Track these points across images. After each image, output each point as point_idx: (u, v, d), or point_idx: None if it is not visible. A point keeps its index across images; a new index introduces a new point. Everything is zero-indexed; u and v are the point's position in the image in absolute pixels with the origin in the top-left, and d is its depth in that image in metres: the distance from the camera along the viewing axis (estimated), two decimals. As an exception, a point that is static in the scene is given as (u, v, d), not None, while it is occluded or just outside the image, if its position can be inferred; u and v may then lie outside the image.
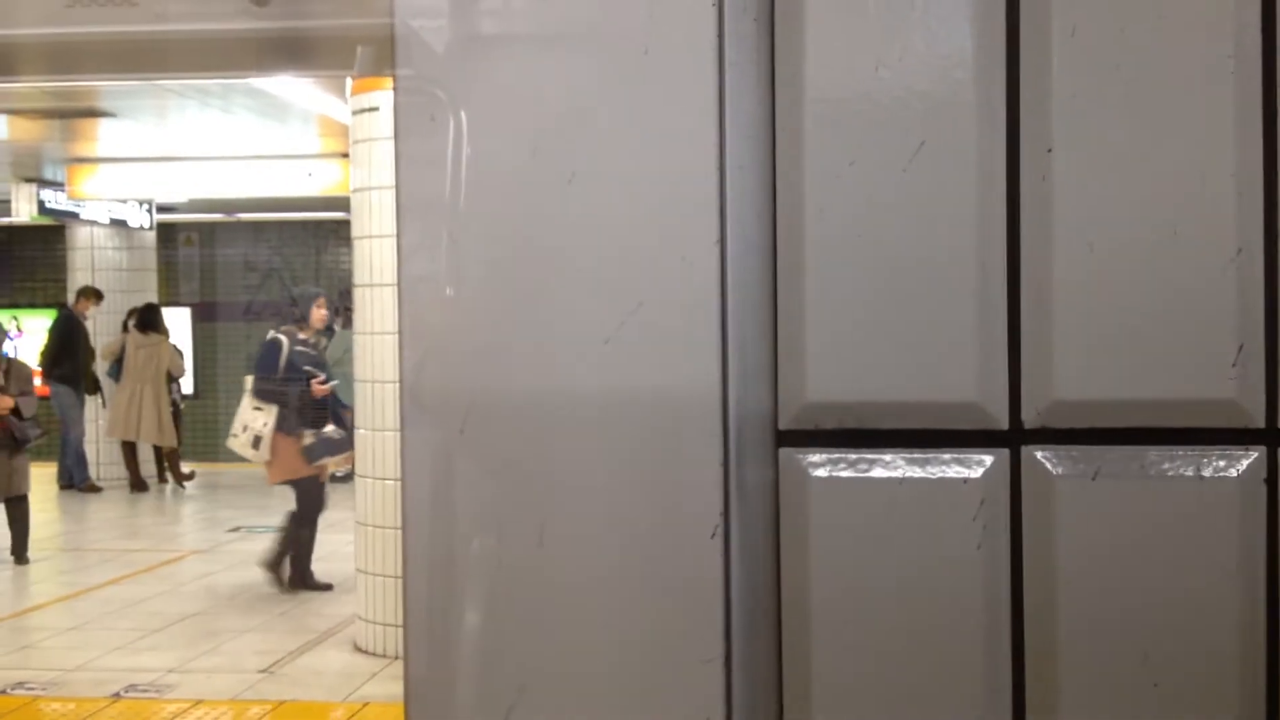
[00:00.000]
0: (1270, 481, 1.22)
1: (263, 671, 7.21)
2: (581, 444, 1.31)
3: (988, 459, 1.26)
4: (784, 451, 1.31)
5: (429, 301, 1.36)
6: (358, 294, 7.42)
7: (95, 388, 14.05)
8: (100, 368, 14.01)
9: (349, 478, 10.04)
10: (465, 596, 1.35)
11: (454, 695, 1.36)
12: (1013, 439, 1.26)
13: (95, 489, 14.10)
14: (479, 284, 1.33)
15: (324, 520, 8.93)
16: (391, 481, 7.28)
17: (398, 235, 1.38)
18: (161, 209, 15.29)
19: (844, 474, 1.29)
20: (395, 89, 1.39)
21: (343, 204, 8.79)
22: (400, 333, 1.37)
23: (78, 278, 14.53)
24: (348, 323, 11.52)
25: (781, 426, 1.31)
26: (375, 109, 7.03)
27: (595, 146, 1.30)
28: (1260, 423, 1.22)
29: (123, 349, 13.70)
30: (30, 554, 10.15)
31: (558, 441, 1.31)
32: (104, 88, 9.68)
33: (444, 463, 1.36)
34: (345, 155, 9.47)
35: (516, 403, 1.32)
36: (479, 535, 1.34)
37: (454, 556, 1.35)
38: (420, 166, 1.35)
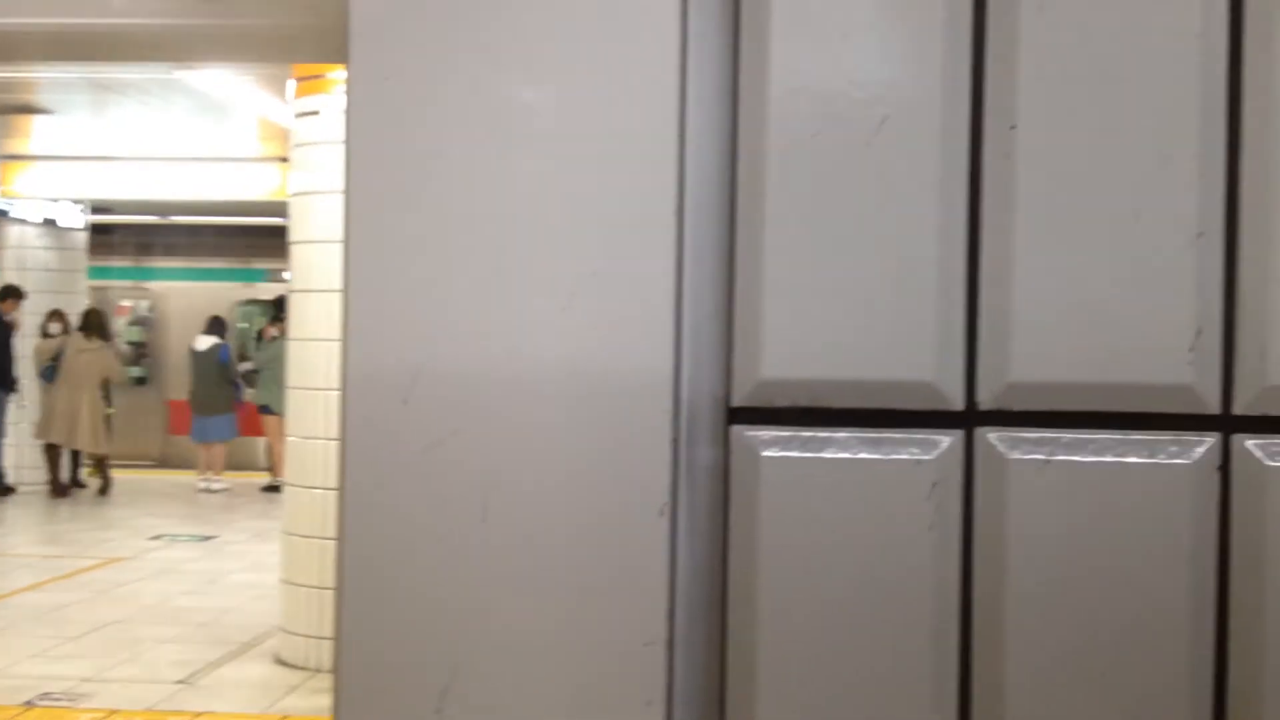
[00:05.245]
0: (1223, 469, 1.21)
1: (181, 682, 7.06)
2: (528, 417, 1.28)
3: (942, 440, 1.24)
4: (735, 429, 1.28)
5: (374, 268, 1.32)
6: (292, 299, 7.31)
7: (12, 388, 13.75)
8: (31, 368, 13.71)
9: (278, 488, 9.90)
10: (403, 570, 1.30)
11: (386, 674, 1.31)
12: (968, 420, 1.24)
13: (7, 490, 13.79)
14: (426, 250, 1.30)
15: (250, 530, 8.79)
16: (319, 490, 7.17)
17: (345, 203, 1.34)
18: (95, 209, 15.04)
19: (795, 454, 1.26)
20: (349, 50, 1.35)
21: (279, 209, 8.69)
22: (344, 298, 1.33)
23: (7, 277, 14.23)
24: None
25: (734, 404, 1.28)
26: (316, 113, 6.95)
27: (554, 112, 1.27)
28: (1216, 409, 1.21)
29: (59, 351, 13.43)
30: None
31: (504, 413, 1.28)
32: (42, 81, 9.51)
33: (386, 433, 1.32)
34: (284, 159, 9.37)
35: (463, 373, 1.29)
36: (420, 508, 1.30)
37: (393, 530, 1.31)
38: (370, 135, 1.32)
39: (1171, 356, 1.21)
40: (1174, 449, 1.21)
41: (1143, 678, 1.21)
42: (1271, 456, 1.20)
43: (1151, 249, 1.20)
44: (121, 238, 17.40)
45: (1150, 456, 1.21)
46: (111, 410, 14.23)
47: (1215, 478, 1.21)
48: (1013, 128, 1.21)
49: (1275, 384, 1.20)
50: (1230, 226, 1.20)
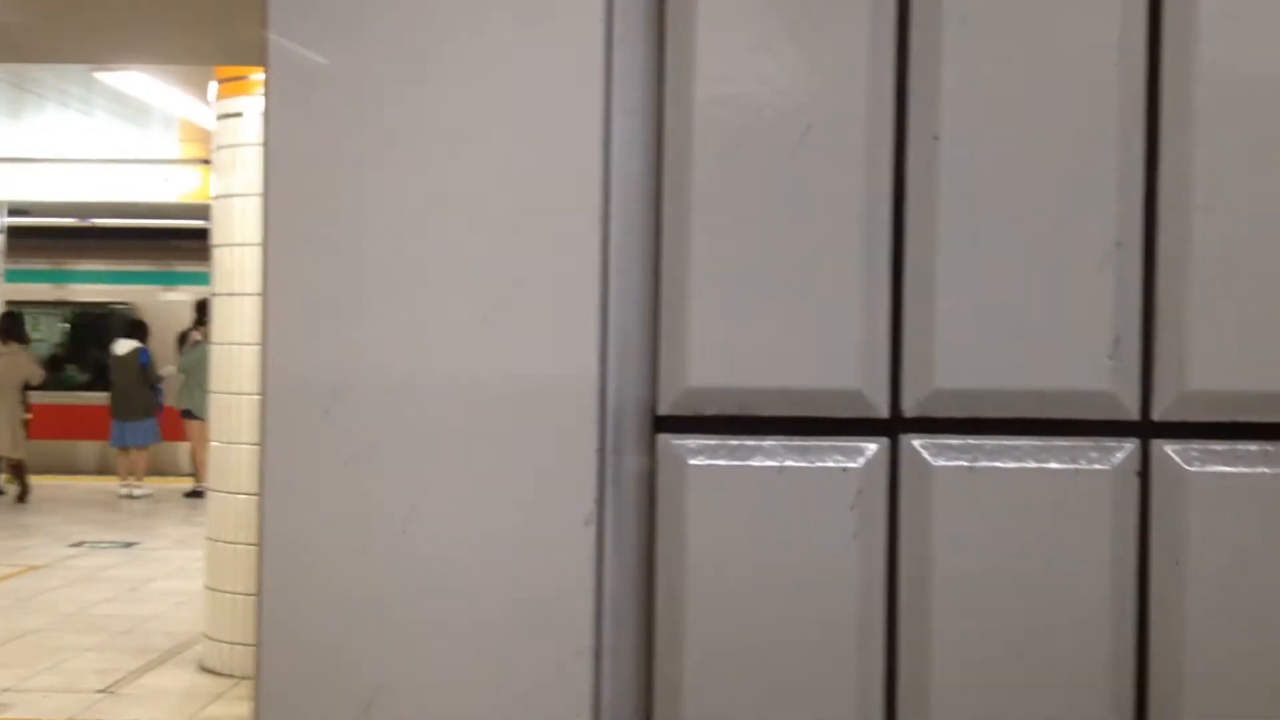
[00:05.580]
0: (1143, 474, 1.22)
1: (102, 691, 6.95)
2: (451, 427, 1.26)
3: (867, 448, 1.24)
4: (662, 438, 1.27)
5: (293, 276, 1.30)
6: (216, 303, 7.22)
7: None
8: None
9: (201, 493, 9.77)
10: (324, 585, 1.28)
11: (308, 688, 1.29)
12: (893, 428, 1.25)
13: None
14: (346, 258, 1.28)
15: (172, 537, 8.68)
16: (244, 496, 7.09)
17: (264, 209, 1.32)
18: (12, 211, 14.74)
19: (722, 462, 1.26)
20: (267, 66, 1.33)
21: (201, 211, 8.57)
22: (263, 306, 1.31)
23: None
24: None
25: (660, 412, 1.28)
26: (239, 114, 6.87)
27: (477, 118, 1.25)
28: (1135, 415, 1.22)
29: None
30: None
31: (427, 425, 1.27)
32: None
33: (306, 445, 1.30)
34: (206, 161, 9.25)
35: (385, 383, 1.27)
36: (341, 521, 1.28)
37: (313, 543, 1.29)
38: (288, 140, 1.30)
39: (1092, 363, 1.22)
40: (1094, 455, 1.23)
41: (1066, 680, 1.23)
42: (1189, 462, 1.22)
43: (1071, 257, 1.21)
44: None
45: (1071, 462, 1.23)
46: (29, 415, 13.96)
47: (1135, 483, 1.22)
48: (936, 138, 1.22)
49: (1193, 389, 1.22)
50: (1148, 235, 1.22)
